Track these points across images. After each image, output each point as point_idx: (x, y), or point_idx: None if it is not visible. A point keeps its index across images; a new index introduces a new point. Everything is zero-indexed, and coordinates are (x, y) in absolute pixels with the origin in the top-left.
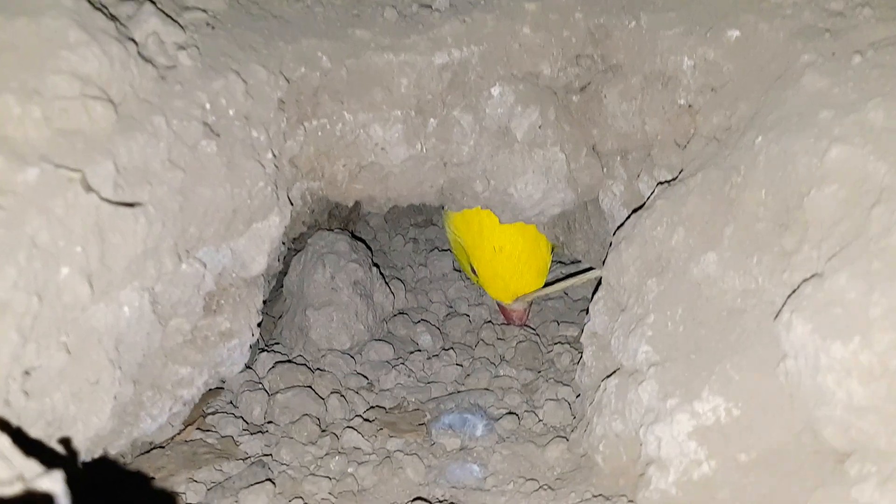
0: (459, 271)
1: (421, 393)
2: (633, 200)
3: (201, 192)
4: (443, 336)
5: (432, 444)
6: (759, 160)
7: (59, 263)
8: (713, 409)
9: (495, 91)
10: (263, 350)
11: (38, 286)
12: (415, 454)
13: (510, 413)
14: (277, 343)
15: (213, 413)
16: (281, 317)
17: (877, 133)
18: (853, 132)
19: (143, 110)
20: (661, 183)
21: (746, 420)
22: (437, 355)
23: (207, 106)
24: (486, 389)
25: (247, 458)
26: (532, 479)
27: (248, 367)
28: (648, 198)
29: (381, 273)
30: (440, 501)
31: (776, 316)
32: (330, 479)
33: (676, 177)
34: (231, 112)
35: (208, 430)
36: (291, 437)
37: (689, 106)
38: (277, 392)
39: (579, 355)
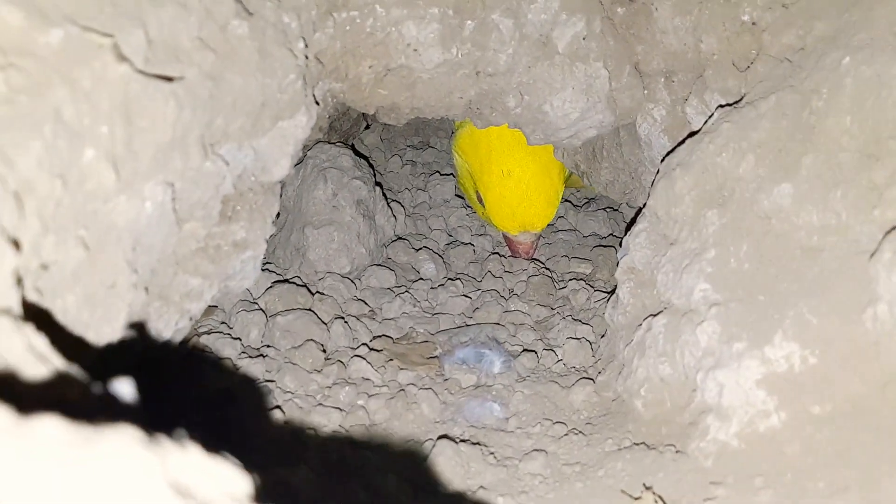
0: (462, 198)
1: (429, 324)
2: (675, 127)
3: (231, 79)
4: (446, 265)
5: (446, 380)
6: (845, 83)
7: (84, 143)
8: (787, 355)
9: None
10: None
11: (63, 168)
12: (429, 388)
13: (528, 350)
14: (269, 262)
15: (206, 333)
16: (273, 234)
17: None
18: None
19: None
20: (721, 106)
21: (824, 369)
22: (442, 285)
23: None
24: (497, 324)
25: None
26: (559, 423)
27: None
28: (705, 123)
29: (384, 193)
30: (461, 440)
31: (872, 255)
32: (340, 410)
33: (734, 103)
34: None
35: (204, 351)
36: (295, 364)
37: (754, 23)
38: (277, 314)
39: (596, 292)
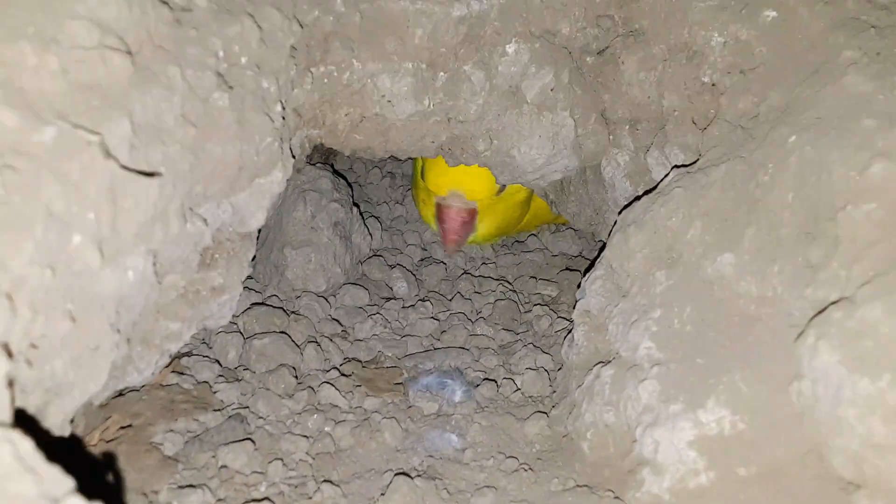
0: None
1: (397, 347)
2: (637, 172)
3: (211, 150)
4: (418, 283)
5: (409, 407)
6: (790, 161)
7: (72, 231)
8: (718, 420)
9: (510, 48)
10: None
11: (52, 258)
12: (393, 417)
13: (488, 379)
14: (250, 278)
15: (188, 354)
16: (256, 249)
17: None
18: None
19: (158, 59)
20: (676, 166)
21: (751, 435)
22: (412, 305)
23: (221, 54)
24: (463, 348)
25: (223, 409)
26: (512, 457)
27: None
28: (662, 180)
29: (361, 213)
30: (418, 473)
31: (799, 335)
32: (307, 438)
33: (694, 161)
34: (244, 60)
35: (183, 374)
36: (268, 389)
37: (714, 85)
38: (254, 336)
39: (559, 319)
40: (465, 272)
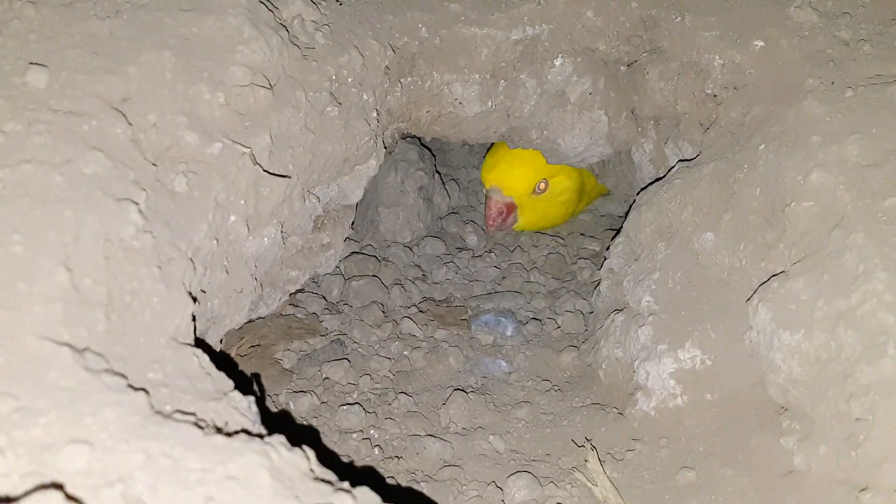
0: None
1: (465, 290)
2: (658, 159)
3: (324, 148)
4: (487, 236)
5: (471, 338)
6: (759, 164)
7: (230, 213)
8: (692, 357)
9: (557, 62)
10: None
11: (217, 233)
12: (457, 346)
13: (535, 319)
14: (351, 229)
15: (301, 291)
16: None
17: (850, 166)
18: (832, 161)
19: (288, 86)
20: (681, 160)
21: (715, 369)
22: (480, 255)
23: (334, 77)
24: (518, 292)
25: (327, 335)
26: (546, 380)
27: None
28: (669, 171)
29: (442, 178)
30: (472, 389)
31: (749, 298)
32: (390, 359)
33: (696, 155)
34: (350, 80)
35: (297, 306)
36: (362, 320)
37: (715, 96)
38: (352, 278)
39: (598, 270)
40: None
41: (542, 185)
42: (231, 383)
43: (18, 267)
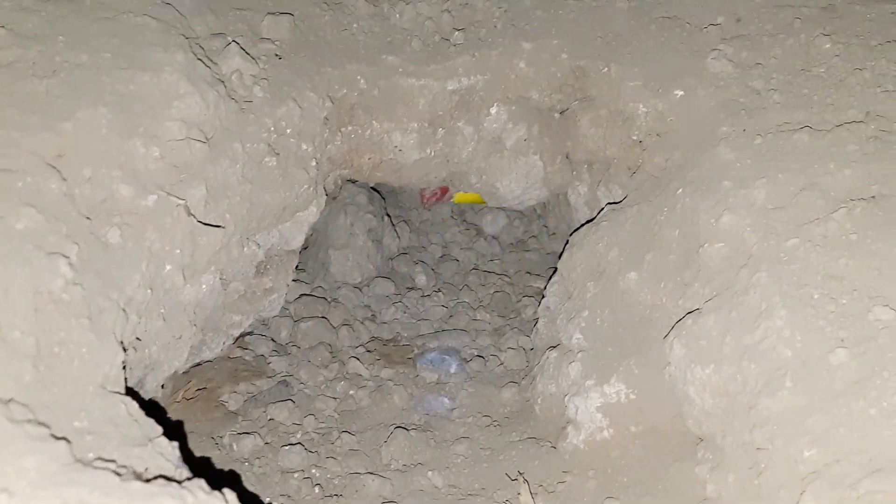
0: (454, 217)
1: (412, 329)
2: (592, 201)
3: (262, 197)
4: (436, 276)
5: (416, 376)
6: (677, 207)
7: (165, 262)
8: (617, 392)
9: (493, 110)
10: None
11: (152, 281)
12: (402, 384)
13: (479, 356)
14: (302, 271)
15: (249, 333)
16: (306, 247)
17: (756, 209)
18: (741, 204)
19: (225, 137)
20: (610, 203)
21: (639, 403)
22: (429, 295)
23: (272, 128)
24: (464, 331)
25: (274, 376)
26: (487, 415)
27: None
28: (598, 213)
29: (391, 220)
30: (415, 427)
31: (666, 335)
32: (335, 399)
33: (623, 199)
34: (289, 131)
35: (246, 348)
36: (309, 361)
37: (640, 142)
38: (300, 320)
39: None
40: (475, 268)
41: None
42: (159, 429)
43: None
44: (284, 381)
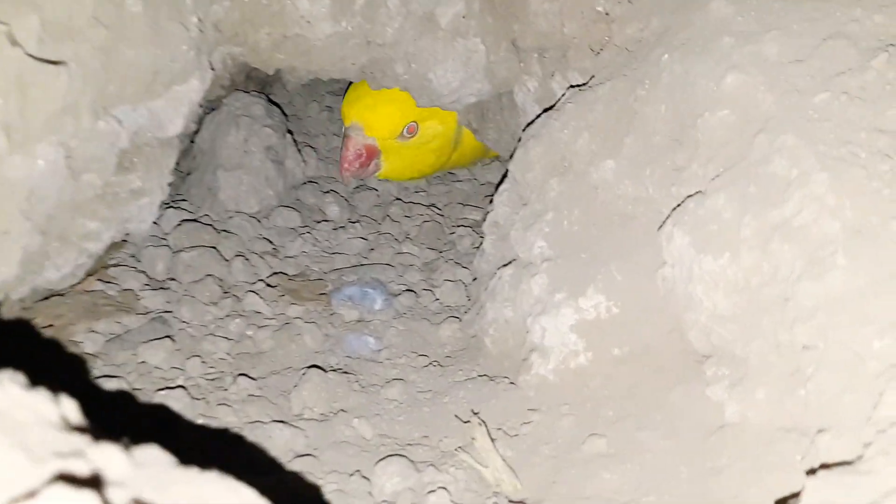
0: None
1: (324, 263)
2: (545, 98)
3: (124, 52)
4: (350, 208)
5: (332, 314)
6: (662, 77)
7: None
8: (595, 305)
9: None
10: (169, 206)
11: None
12: (314, 322)
13: (409, 290)
14: (184, 200)
15: (115, 265)
16: (189, 174)
17: (770, 65)
18: (749, 61)
19: None
20: (573, 86)
21: (623, 318)
22: (343, 227)
23: None
24: (388, 265)
25: (147, 313)
26: (423, 355)
27: (153, 222)
28: (559, 99)
29: (295, 140)
30: (333, 369)
31: (660, 226)
32: (228, 339)
33: (588, 82)
34: None
35: (109, 282)
36: (193, 296)
37: (607, 14)
38: (182, 250)
39: (480, 238)
40: (397, 199)
41: (412, 129)
42: None
43: None
44: (160, 318)
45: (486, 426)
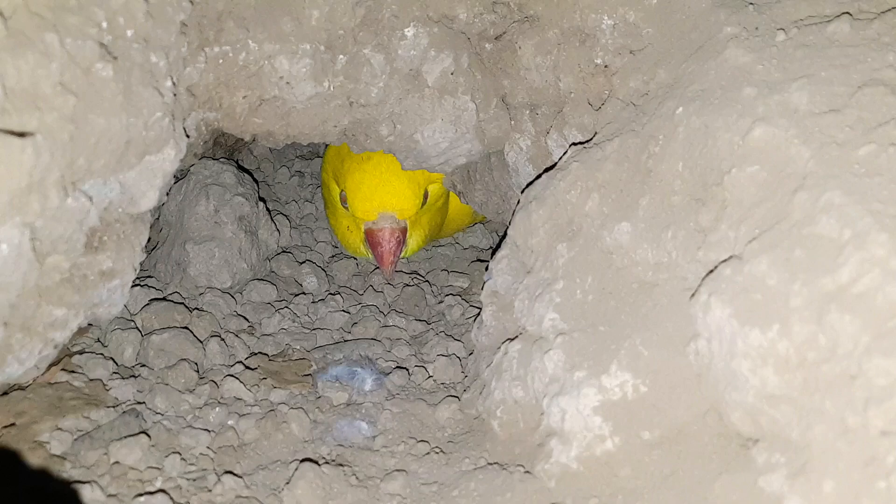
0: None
1: (306, 340)
2: (539, 156)
3: (94, 121)
4: (328, 279)
5: (318, 398)
6: (678, 131)
7: None
8: (621, 384)
9: (409, 32)
10: (136, 284)
11: None
12: (300, 408)
13: (400, 367)
14: (150, 276)
15: (79, 353)
16: (156, 248)
17: (801, 116)
18: (777, 113)
19: (34, 26)
20: (574, 144)
21: (653, 398)
22: (322, 299)
23: (104, 25)
24: (374, 339)
25: (118, 406)
26: (423, 441)
27: None
28: (561, 158)
29: (268, 208)
30: (326, 461)
31: (692, 295)
32: (209, 431)
33: (590, 139)
34: (129, 33)
35: (74, 372)
36: (167, 384)
37: (606, 66)
38: (152, 333)
39: (470, 308)
40: (377, 267)
41: (426, 194)
42: None
43: None
44: (133, 410)
45: None
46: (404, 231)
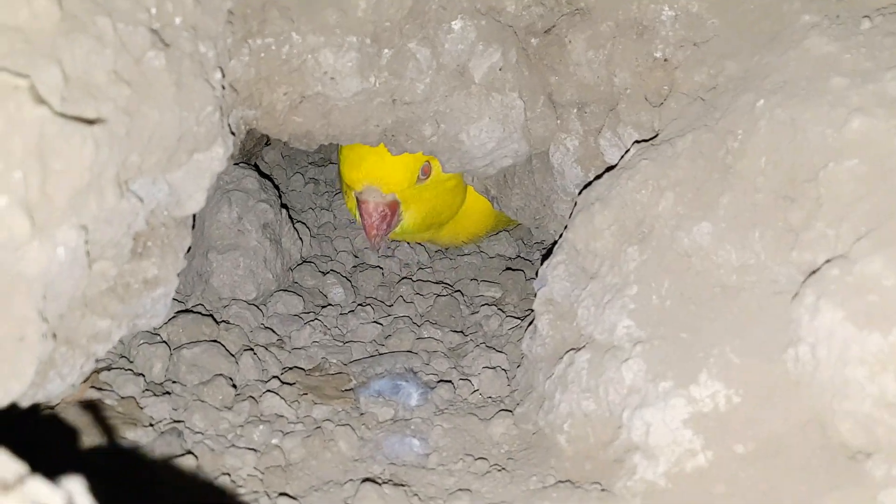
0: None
1: (341, 353)
2: (587, 157)
3: (148, 114)
4: (354, 289)
5: (362, 414)
6: (759, 125)
7: None
8: (712, 394)
9: (456, 25)
10: None
11: None
12: (346, 424)
13: (444, 381)
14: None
15: (105, 368)
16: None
17: None
18: (874, 103)
19: (86, 8)
20: (637, 142)
21: (746, 409)
22: (352, 311)
23: (153, 10)
24: (411, 352)
25: (155, 424)
26: (482, 458)
27: None
28: (623, 157)
29: (290, 217)
30: (380, 481)
31: (793, 297)
32: (254, 451)
33: (651, 138)
34: (178, 20)
35: (103, 389)
36: (203, 401)
37: (666, 60)
38: (181, 347)
39: (508, 318)
40: (404, 277)
41: (427, 169)
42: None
43: None
44: (174, 429)
45: None
46: (392, 206)
